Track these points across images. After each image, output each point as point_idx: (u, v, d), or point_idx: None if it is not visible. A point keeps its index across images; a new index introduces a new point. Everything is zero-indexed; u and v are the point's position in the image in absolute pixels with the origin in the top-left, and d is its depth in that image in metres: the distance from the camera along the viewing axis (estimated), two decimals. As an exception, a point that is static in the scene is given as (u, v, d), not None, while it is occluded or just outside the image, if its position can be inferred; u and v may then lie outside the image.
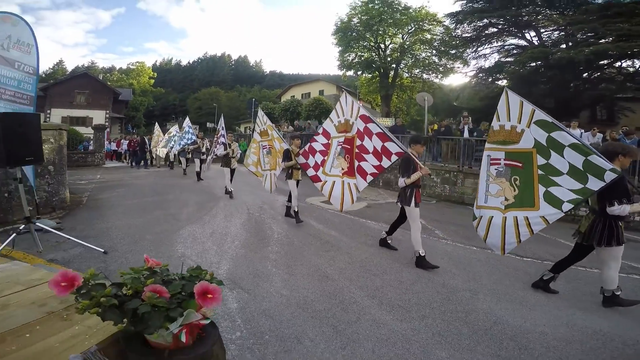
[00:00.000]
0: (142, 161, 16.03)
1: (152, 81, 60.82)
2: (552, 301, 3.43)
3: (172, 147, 13.38)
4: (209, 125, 35.91)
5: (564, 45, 16.42)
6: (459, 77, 46.19)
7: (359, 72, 30.02)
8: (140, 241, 4.75)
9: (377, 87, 29.25)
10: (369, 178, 4.49)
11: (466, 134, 10.24)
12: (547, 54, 15.46)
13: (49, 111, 30.23)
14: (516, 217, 3.44)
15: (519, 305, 3.29)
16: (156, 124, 17.92)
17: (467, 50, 22.08)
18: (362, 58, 28.34)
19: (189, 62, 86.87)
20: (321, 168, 5.19)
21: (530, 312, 3.17)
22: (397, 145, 4.25)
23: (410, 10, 25.69)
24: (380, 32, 26.80)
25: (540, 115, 3.34)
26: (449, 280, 3.82)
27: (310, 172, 5.36)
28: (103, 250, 4.22)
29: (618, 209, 3.05)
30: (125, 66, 65.39)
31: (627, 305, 3.27)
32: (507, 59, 19.56)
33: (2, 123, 3.68)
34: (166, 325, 1.43)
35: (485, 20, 19.54)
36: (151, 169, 15.41)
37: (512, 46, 19.86)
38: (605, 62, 15.14)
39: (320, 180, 5.16)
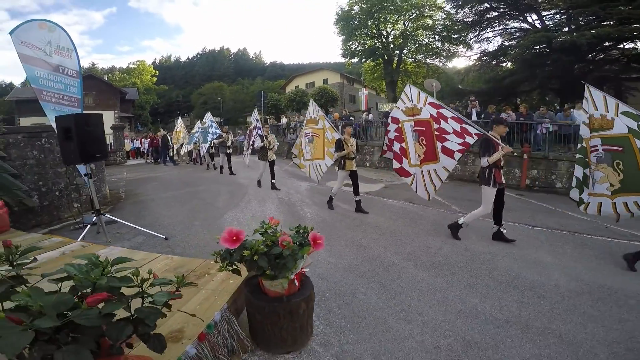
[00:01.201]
0: (167, 157, 16.10)
1: (155, 79, 60.97)
2: (561, 262, 3.88)
3: (196, 143, 13.51)
4: (216, 119, 36.24)
5: (566, 29, 16.40)
6: (462, 61, 45.82)
7: (363, 60, 30.17)
8: (191, 227, 5.19)
9: (381, 73, 29.45)
10: (457, 155, 4.39)
11: (474, 117, 10.63)
12: (550, 38, 15.52)
13: (59, 114, 30.78)
14: (626, 202, 3.56)
15: (533, 264, 3.78)
16: (179, 118, 18.17)
17: (470, 35, 22.10)
18: (366, 46, 28.50)
19: (188, 58, 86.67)
20: (405, 159, 5.01)
21: (543, 269, 3.65)
22: (473, 127, 4.29)
23: (411, -3, 25.76)
24: (382, 19, 26.88)
25: (625, 107, 3.51)
26: (471, 246, 4.35)
27: (395, 164, 5.17)
28: (164, 237, 4.59)
29: None
30: (126, 65, 65.46)
31: None
32: (511, 42, 19.60)
33: (75, 123, 4.02)
34: (295, 267, 2.00)
35: (486, 4, 19.54)
36: (171, 165, 15.73)
37: (515, 29, 19.84)
38: (609, 44, 15.17)
39: (410, 174, 4.94)
